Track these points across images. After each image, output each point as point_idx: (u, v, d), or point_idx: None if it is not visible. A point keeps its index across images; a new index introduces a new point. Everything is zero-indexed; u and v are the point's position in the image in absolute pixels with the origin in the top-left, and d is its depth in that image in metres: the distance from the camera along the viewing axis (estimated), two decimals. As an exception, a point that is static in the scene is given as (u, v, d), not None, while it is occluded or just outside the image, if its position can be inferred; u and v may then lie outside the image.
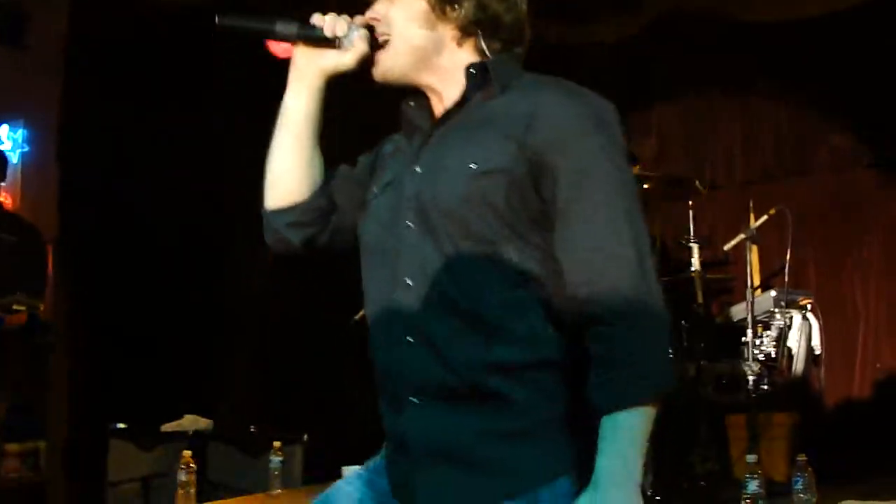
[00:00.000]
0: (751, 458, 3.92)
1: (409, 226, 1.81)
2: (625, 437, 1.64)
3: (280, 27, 1.91)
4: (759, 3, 5.72)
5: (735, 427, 4.95)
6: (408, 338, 1.80)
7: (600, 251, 1.69)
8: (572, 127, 1.77)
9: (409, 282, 1.82)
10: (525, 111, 1.79)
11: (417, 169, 1.83)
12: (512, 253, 1.75)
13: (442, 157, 1.81)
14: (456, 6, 1.88)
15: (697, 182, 4.74)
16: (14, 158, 6.62)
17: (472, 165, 1.74)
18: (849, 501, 4.00)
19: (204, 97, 6.07)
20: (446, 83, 1.90)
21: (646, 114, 6.59)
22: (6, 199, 6.23)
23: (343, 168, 2.07)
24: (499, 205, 1.73)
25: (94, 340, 5.29)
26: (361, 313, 4.50)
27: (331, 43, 1.90)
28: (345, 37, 1.89)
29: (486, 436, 1.73)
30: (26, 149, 6.68)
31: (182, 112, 6.04)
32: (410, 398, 1.78)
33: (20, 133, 6.75)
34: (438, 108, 1.95)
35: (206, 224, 6.16)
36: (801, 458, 3.93)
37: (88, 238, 5.79)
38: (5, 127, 6.75)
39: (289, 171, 2.00)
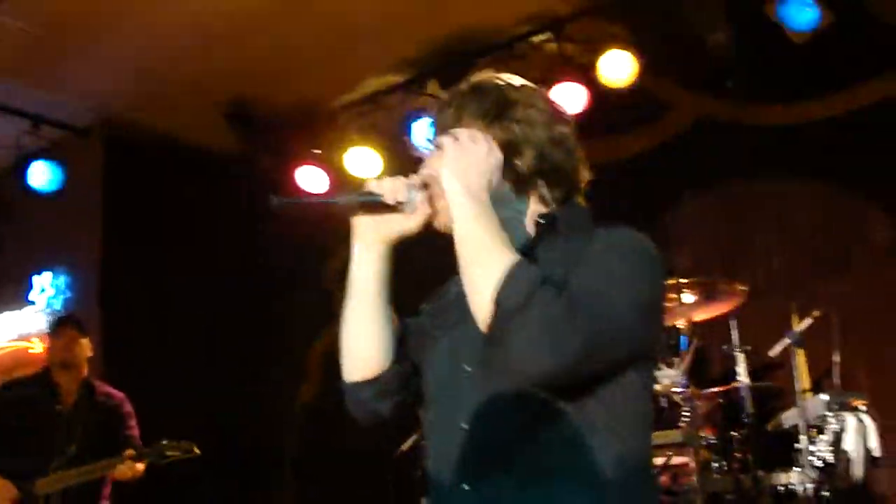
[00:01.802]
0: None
1: (467, 370, 1.81)
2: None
3: (342, 198, 1.93)
4: (778, 109, 5.77)
5: (798, 538, 4.80)
6: (463, 485, 1.76)
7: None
8: (601, 246, 1.79)
9: (464, 426, 1.79)
10: (576, 256, 1.80)
11: None
12: (572, 399, 1.72)
13: None
14: (517, 158, 1.90)
15: (739, 286, 4.65)
16: (57, 304, 6.73)
17: None
18: None
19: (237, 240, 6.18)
20: (507, 231, 1.85)
21: (677, 224, 6.58)
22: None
23: (411, 323, 2.05)
24: None
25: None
26: (407, 445, 4.44)
27: (393, 208, 1.89)
28: (407, 202, 1.88)
29: None
30: (69, 294, 6.77)
31: (214, 248, 6.15)
32: None
33: (62, 279, 6.86)
34: None
35: (247, 369, 6.19)
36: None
37: (131, 380, 5.81)
38: (48, 274, 6.87)
39: (365, 341, 1.97)
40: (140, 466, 4.95)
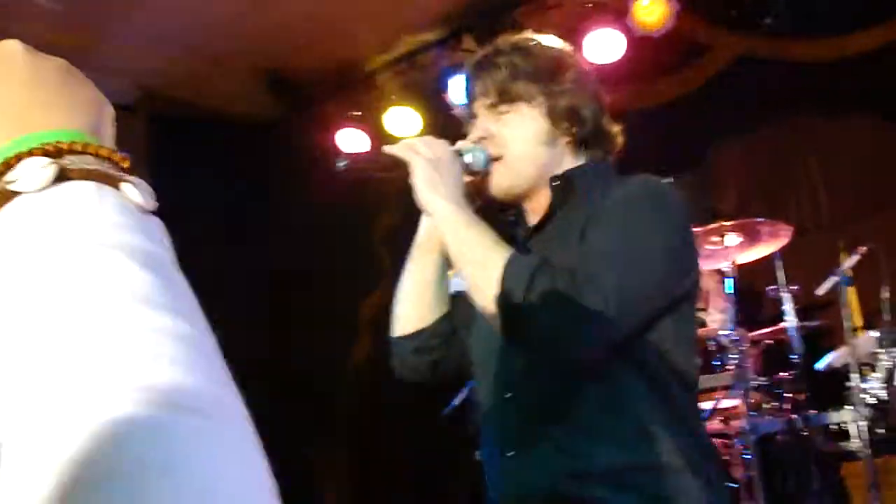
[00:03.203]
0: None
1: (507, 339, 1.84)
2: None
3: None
4: (816, 44, 5.68)
5: (852, 476, 4.79)
6: (508, 452, 1.81)
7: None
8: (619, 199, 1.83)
9: (509, 394, 1.83)
10: (594, 208, 1.84)
11: None
12: (609, 360, 1.75)
13: None
14: (574, 123, 1.95)
15: (782, 226, 4.62)
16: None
17: None
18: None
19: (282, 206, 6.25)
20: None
21: (720, 167, 6.53)
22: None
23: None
24: None
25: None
26: (457, 401, 4.49)
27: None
28: (475, 162, 1.93)
29: None
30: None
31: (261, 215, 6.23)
32: None
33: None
34: (532, 218, 1.98)
35: (296, 330, 6.28)
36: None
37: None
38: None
39: (415, 296, 2.05)
40: None
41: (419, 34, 6.04)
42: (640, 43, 5.84)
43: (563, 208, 1.91)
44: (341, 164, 1.87)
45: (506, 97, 1.94)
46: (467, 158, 1.91)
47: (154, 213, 0.66)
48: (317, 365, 6.40)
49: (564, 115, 1.93)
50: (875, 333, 4.70)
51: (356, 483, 6.48)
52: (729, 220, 4.44)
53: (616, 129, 2.05)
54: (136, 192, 0.62)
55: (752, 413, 4.23)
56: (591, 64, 5.80)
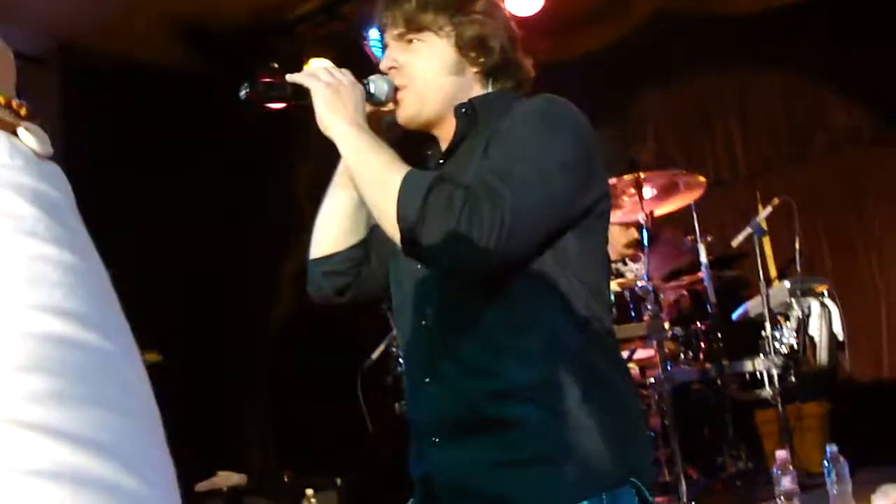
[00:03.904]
0: (781, 452, 3.88)
1: (419, 267, 1.87)
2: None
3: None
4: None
5: (765, 423, 4.92)
6: (426, 379, 1.82)
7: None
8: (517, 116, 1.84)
9: (424, 322, 1.85)
10: (496, 128, 1.85)
11: None
12: (524, 279, 1.77)
13: None
14: (482, 53, 1.95)
15: (698, 177, 4.66)
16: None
17: None
18: (888, 486, 3.94)
19: (201, 160, 6.14)
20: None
21: (640, 117, 6.59)
22: None
23: None
24: None
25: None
26: (377, 354, 4.50)
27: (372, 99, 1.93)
28: (378, 91, 1.93)
29: (501, 468, 1.73)
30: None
31: (180, 169, 6.12)
32: (431, 439, 1.82)
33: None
34: (444, 147, 2.00)
35: (221, 273, 6.21)
36: (833, 447, 3.88)
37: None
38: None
39: (337, 225, 2.07)
40: None
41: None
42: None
43: (469, 135, 1.92)
44: (242, 91, 1.84)
45: (413, 27, 1.95)
46: (371, 87, 1.92)
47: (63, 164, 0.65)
48: (238, 321, 6.35)
49: (472, 45, 1.94)
50: (787, 284, 4.79)
51: (277, 437, 6.48)
52: (646, 172, 4.47)
53: (528, 60, 2.04)
54: (31, 138, 0.61)
55: (667, 363, 4.29)
56: (512, 15, 5.80)
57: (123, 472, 0.48)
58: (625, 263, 5.41)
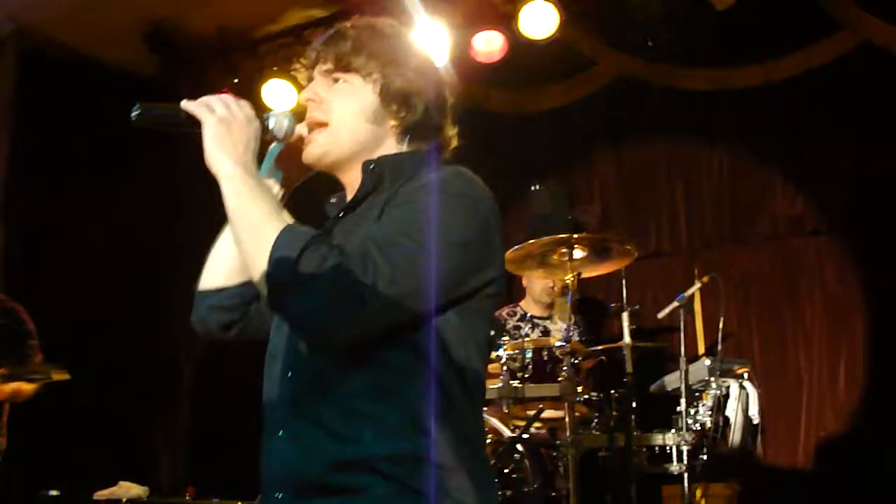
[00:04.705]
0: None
1: None
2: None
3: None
4: (698, 74, 5.80)
5: (671, 499, 4.90)
6: (280, 432, 1.78)
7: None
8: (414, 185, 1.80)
9: (289, 374, 1.81)
10: (397, 191, 1.81)
11: None
12: (391, 344, 1.71)
13: None
14: (405, 108, 1.92)
15: (628, 246, 4.67)
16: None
17: None
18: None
19: (148, 162, 6.09)
20: None
21: (589, 180, 6.64)
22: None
23: None
24: None
25: (24, 403, 5.20)
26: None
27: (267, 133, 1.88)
28: (276, 127, 1.89)
29: None
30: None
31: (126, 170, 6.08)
32: (275, 494, 1.76)
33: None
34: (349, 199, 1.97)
35: (141, 285, 6.15)
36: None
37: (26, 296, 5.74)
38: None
39: (227, 258, 2.01)
40: (25, 387, 4.91)
41: (306, 10, 5.96)
42: (525, 49, 5.87)
43: (373, 193, 1.89)
44: (135, 112, 1.79)
45: (342, 66, 1.91)
46: (270, 122, 1.88)
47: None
48: (164, 332, 6.28)
49: (395, 98, 1.90)
50: (707, 362, 4.80)
51: (192, 454, 6.40)
52: (579, 234, 4.48)
53: (452, 129, 2.02)
54: None
55: (577, 427, 4.28)
56: (477, 62, 5.84)
57: None
58: (553, 322, 5.43)
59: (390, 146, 1.93)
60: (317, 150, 1.91)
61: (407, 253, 1.65)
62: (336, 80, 1.92)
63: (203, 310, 2.03)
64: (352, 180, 1.94)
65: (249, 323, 2.03)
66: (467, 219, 1.75)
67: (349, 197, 1.95)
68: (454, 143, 2.01)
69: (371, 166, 1.88)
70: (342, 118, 1.90)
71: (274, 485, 1.78)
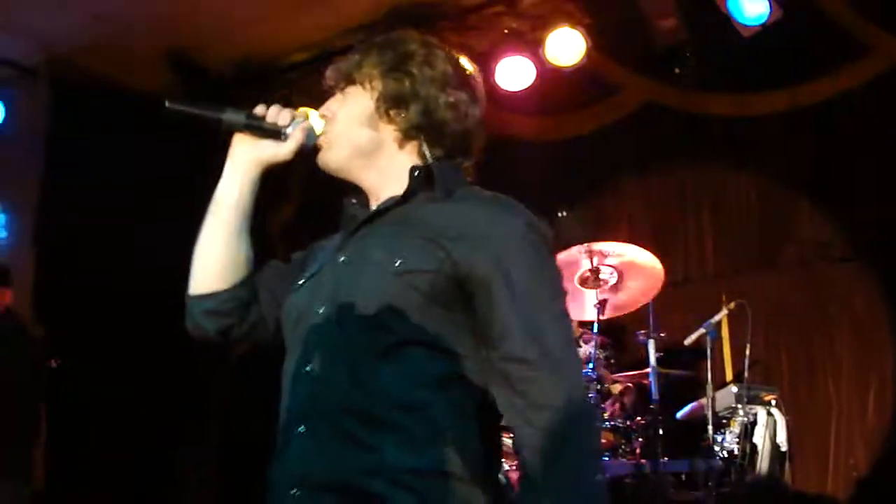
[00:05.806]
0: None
1: (318, 312, 1.81)
2: None
3: (228, 115, 1.95)
4: (724, 100, 5.79)
5: (698, 526, 4.86)
6: (300, 429, 1.76)
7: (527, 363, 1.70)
8: (500, 240, 1.79)
9: (308, 369, 1.80)
10: (458, 223, 1.80)
11: (341, 258, 1.85)
12: (420, 354, 1.72)
13: (368, 248, 1.81)
14: (401, 110, 1.92)
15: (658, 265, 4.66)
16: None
17: (398, 262, 1.74)
18: None
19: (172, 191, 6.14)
20: (384, 182, 1.93)
21: (616, 206, 6.61)
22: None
23: (273, 262, 2.08)
24: (415, 305, 1.71)
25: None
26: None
27: (274, 134, 1.94)
28: (286, 127, 1.94)
29: None
30: (3, 233, 6.70)
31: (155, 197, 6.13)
32: (290, 492, 1.73)
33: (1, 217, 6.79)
34: (374, 206, 1.97)
35: (168, 313, 6.19)
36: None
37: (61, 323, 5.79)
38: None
39: (215, 260, 1.99)
40: None
41: (333, 39, 6.00)
42: (553, 76, 5.89)
43: (416, 201, 1.89)
44: (170, 105, 1.88)
45: (348, 80, 1.96)
46: (283, 122, 1.96)
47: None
48: (193, 359, 6.31)
49: (388, 101, 1.92)
50: (735, 389, 4.77)
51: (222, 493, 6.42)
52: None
53: (476, 133, 2.01)
54: None
55: (603, 453, 4.26)
56: (503, 89, 5.86)
57: None
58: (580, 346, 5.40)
59: (391, 150, 1.94)
60: (322, 157, 1.96)
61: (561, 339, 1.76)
62: (344, 93, 1.97)
63: (197, 315, 2.00)
64: (370, 184, 1.96)
65: (250, 328, 2.01)
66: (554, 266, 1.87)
67: (371, 200, 1.97)
68: (476, 144, 2.01)
69: (417, 172, 1.90)
70: (342, 126, 1.94)
71: (290, 480, 1.73)
